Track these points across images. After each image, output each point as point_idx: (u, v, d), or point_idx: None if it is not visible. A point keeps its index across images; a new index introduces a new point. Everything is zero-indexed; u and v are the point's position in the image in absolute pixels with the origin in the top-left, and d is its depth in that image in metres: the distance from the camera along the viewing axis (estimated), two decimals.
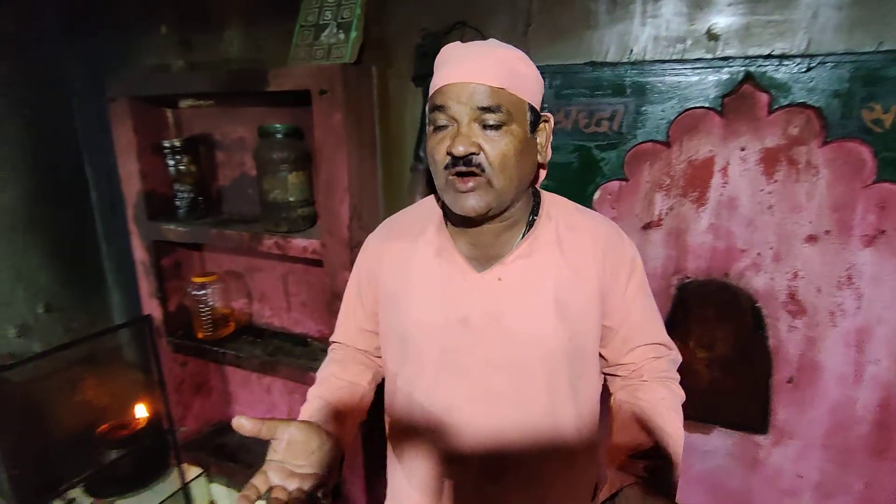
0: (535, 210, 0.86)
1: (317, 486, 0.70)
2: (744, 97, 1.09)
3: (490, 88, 0.73)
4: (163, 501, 1.86)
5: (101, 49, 1.79)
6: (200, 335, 1.75)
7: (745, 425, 1.26)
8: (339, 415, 0.86)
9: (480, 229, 0.83)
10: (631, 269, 0.88)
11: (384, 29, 1.37)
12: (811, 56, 1.02)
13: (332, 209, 1.35)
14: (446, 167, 0.75)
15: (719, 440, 1.29)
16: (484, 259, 0.84)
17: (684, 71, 1.11)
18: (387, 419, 0.99)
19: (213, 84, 1.44)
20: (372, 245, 0.96)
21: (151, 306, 1.77)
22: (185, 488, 1.93)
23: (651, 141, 1.17)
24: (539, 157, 0.83)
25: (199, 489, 2.01)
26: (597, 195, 1.24)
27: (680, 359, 0.94)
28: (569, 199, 0.92)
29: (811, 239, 1.11)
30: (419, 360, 0.87)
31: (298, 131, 1.47)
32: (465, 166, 0.73)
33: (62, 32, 1.84)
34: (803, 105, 1.04)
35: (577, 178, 1.24)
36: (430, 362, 0.85)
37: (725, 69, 1.08)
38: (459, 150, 0.72)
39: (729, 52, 1.08)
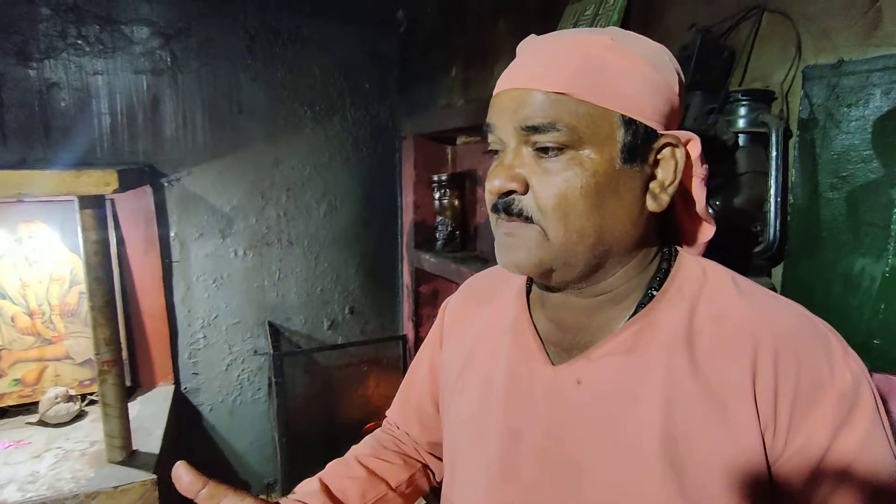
0: (658, 283, 0.53)
1: None
2: None
3: (543, 96, 0.48)
4: None
5: (417, 97, 2.05)
6: None
7: None
8: None
9: (566, 301, 0.56)
10: (846, 406, 0.46)
11: (653, 32, 1.06)
12: None
13: None
14: (492, 208, 0.53)
15: None
16: (566, 346, 0.56)
17: None
18: None
19: (465, 119, 1.42)
20: (448, 309, 0.74)
21: (408, 327, 1.89)
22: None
23: None
24: (651, 203, 0.51)
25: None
26: None
27: None
28: None
29: None
30: (464, 471, 0.62)
31: None
32: (504, 212, 0.51)
33: (397, 87, 2.20)
34: None
35: None
36: (474, 479, 0.60)
37: None
38: (495, 184, 0.50)
39: None
